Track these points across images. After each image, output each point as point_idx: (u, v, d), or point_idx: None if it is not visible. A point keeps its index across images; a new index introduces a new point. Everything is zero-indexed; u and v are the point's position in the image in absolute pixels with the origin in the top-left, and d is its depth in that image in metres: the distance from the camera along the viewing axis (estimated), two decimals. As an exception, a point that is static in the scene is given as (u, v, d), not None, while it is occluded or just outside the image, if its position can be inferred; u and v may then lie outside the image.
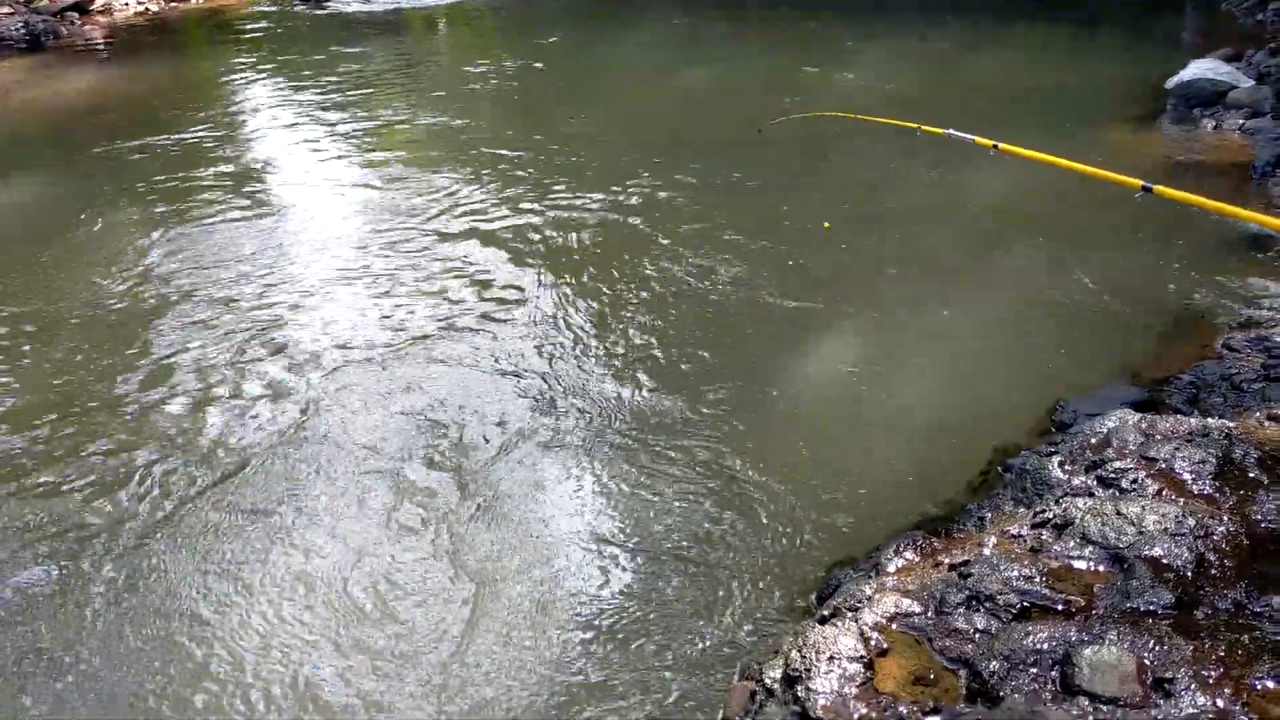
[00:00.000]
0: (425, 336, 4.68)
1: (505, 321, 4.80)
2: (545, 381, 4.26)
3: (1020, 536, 2.92)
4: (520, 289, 5.12)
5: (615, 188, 6.43)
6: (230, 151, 7.64)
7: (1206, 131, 6.84)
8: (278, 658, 2.90)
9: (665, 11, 13.24)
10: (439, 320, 4.83)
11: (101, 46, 12.48)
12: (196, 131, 8.20)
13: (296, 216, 6.26)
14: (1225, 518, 2.73)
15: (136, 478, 3.73)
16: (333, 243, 5.80)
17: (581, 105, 8.66)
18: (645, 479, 3.63)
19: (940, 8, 12.46)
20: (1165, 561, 2.60)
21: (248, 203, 6.49)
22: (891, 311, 4.79)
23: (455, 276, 5.30)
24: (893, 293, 4.96)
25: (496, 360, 4.45)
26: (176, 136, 8.05)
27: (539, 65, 10.20)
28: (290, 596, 3.14)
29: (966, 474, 3.61)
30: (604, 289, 5.06)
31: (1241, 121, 6.81)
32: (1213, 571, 2.55)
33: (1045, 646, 2.39)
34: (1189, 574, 2.55)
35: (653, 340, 4.56)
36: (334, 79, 9.82)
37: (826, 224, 5.61)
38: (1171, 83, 7.53)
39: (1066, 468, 3.24)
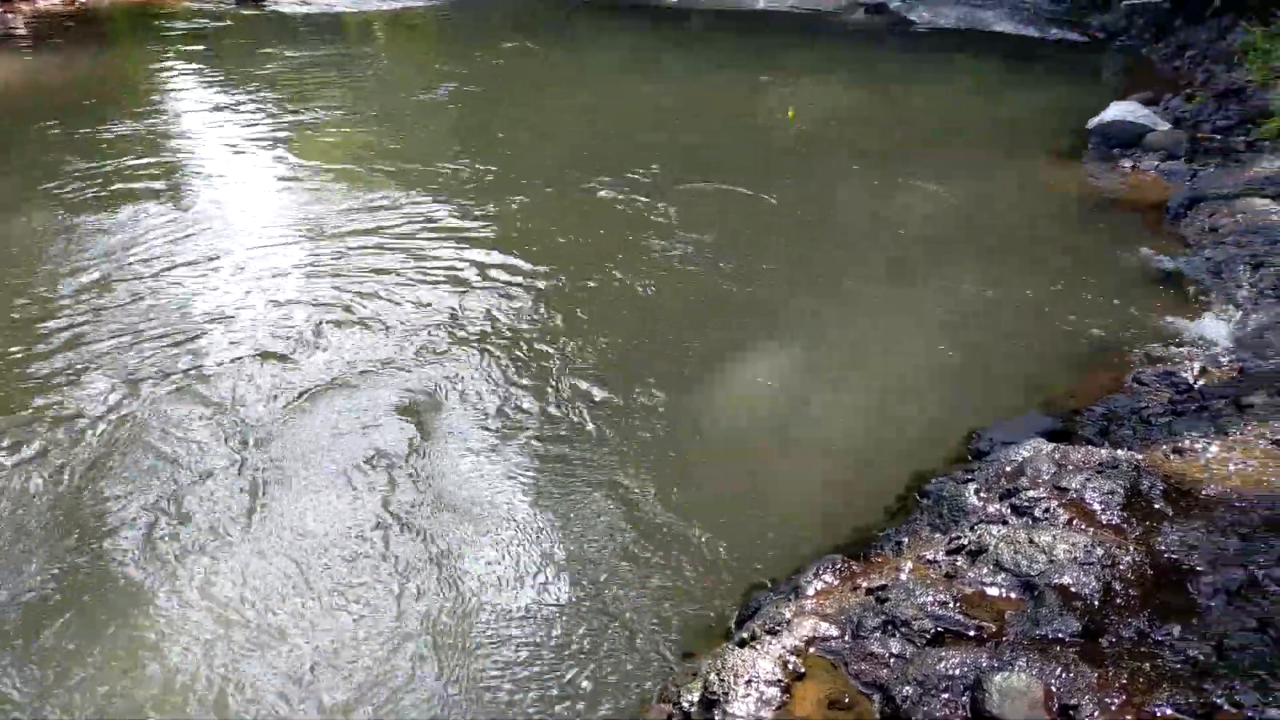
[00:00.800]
0: (339, 341, 4.59)
1: (424, 327, 4.73)
2: (458, 392, 4.21)
3: (936, 562, 2.97)
4: (440, 293, 5.06)
5: (540, 197, 6.41)
6: (152, 147, 7.43)
7: (1126, 170, 7.10)
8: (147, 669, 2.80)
9: (610, 27, 13.30)
10: (352, 324, 4.74)
11: (23, 34, 12.06)
12: (118, 126, 7.95)
13: (218, 214, 6.10)
14: (1131, 548, 2.81)
15: (22, 478, 3.58)
16: (250, 241, 5.66)
17: (517, 115, 8.62)
18: (564, 499, 3.60)
19: (878, 39, 12.74)
20: (1074, 590, 2.66)
21: (166, 199, 6.31)
22: (814, 336, 4.85)
23: (377, 279, 5.21)
24: (816, 318, 5.02)
25: (411, 369, 4.38)
26: (97, 129, 7.80)
27: (470, 87, 10.14)
28: (172, 614, 3.03)
29: (885, 498, 3.66)
30: (520, 316, 5.02)
31: (1158, 163, 7.08)
32: (1118, 600, 2.62)
33: (957, 672, 2.43)
34: (1096, 603, 2.62)
35: (573, 359, 4.54)
36: (264, 79, 9.63)
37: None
38: (1094, 122, 7.80)
39: (981, 495, 3.31)
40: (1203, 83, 8.92)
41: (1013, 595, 2.72)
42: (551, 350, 4.58)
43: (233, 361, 4.42)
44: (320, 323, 4.76)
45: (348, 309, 4.92)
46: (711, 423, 4.10)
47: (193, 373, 4.32)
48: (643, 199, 6.43)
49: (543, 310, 4.97)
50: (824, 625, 2.73)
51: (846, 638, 2.68)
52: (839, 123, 8.65)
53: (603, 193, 6.58)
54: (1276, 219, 5.51)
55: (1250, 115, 7.46)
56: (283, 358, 4.46)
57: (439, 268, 5.40)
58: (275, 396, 4.15)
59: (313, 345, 4.57)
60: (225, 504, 3.51)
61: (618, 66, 11.05)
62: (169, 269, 5.32)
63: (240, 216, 6.10)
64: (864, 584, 2.96)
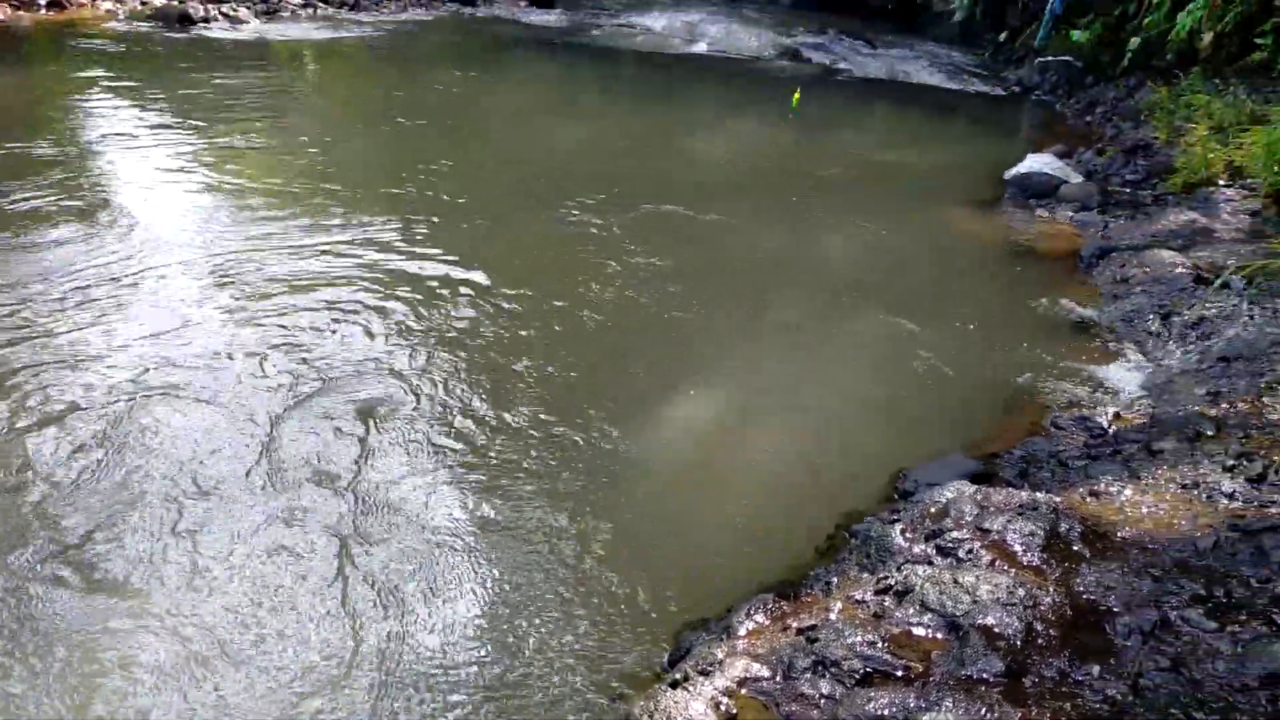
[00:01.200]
0: (255, 371, 4.48)
1: (354, 359, 4.65)
2: (388, 423, 4.15)
3: (864, 602, 3.02)
4: (372, 322, 4.99)
5: (473, 226, 6.39)
6: (71, 169, 7.20)
7: (1042, 220, 7.38)
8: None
9: (546, 64, 13.39)
10: (269, 353, 4.63)
11: (-67, 49, 11.61)
12: (36, 148, 7.69)
13: (139, 238, 5.93)
14: (1051, 589, 2.89)
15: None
16: (167, 268, 5.51)
17: (450, 145, 8.60)
18: (492, 538, 3.57)
19: (805, 85, 13.07)
20: (997, 630, 2.73)
21: (85, 222, 6.11)
22: (744, 376, 4.91)
23: (296, 309, 5.10)
24: (746, 358, 5.09)
25: (338, 403, 4.30)
26: (12, 150, 7.54)
27: (403, 118, 10.10)
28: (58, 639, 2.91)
29: (816, 537, 3.71)
30: (447, 347, 4.99)
31: (1072, 214, 7.38)
32: (1040, 641, 2.69)
33: (886, 713, 2.46)
34: (1018, 643, 2.68)
35: (501, 395, 4.52)
36: (191, 102, 9.43)
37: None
38: (1011, 173, 8.11)
39: (907, 535, 3.38)
40: (1112, 138, 9.35)
41: (939, 635, 2.77)
42: (476, 385, 4.55)
43: (143, 392, 4.28)
44: (240, 350, 4.65)
45: (272, 340, 4.81)
46: (641, 462, 4.11)
47: (108, 398, 4.18)
48: (571, 232, 6.46)
49: (470, 343, 4.93)
50: (755, 666, 2.74)
51: (778, 678, 2.69)
52: (765, 167, 8.83)
53: (533, 225, 6.60)
54: (1182, 271, 5.78)
55: (1157, 170, 7.84)
56: (196, 386, 4.34)
57: (370, 295, 5.33)
58: (191, 426, 4.03)
59: (234, 374, 4.46)
60: (137, 543, 3.38)
61: (552, 101, 11.12)
62: (85, 293, 5.14)
63: (162, 240, 5.94)
64: (794, 624, 2.99)
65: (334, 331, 4.94)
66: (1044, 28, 13.62)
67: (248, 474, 3.78)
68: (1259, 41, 9.39)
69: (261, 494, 3.67)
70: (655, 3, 19.60)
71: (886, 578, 3.11)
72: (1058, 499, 3.43)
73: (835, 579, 3.30)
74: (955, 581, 2.92)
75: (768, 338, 5.34)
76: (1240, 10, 9.95)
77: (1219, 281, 5.46)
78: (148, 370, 4.45)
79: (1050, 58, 12.94)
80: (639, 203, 7.25)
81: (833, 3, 19.62)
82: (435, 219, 6.61)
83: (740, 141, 9.57)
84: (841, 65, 14.28)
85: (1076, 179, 7.90)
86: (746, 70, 13.93)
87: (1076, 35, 12.63)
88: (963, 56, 15.51)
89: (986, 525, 3.23)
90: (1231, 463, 3.49)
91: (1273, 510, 3.17)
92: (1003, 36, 14.95)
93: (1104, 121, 10.31)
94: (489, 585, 3.33)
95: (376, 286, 5.48)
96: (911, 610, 2.88)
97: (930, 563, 3.14)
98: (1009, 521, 3.23)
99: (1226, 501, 3.26)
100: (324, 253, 5.91)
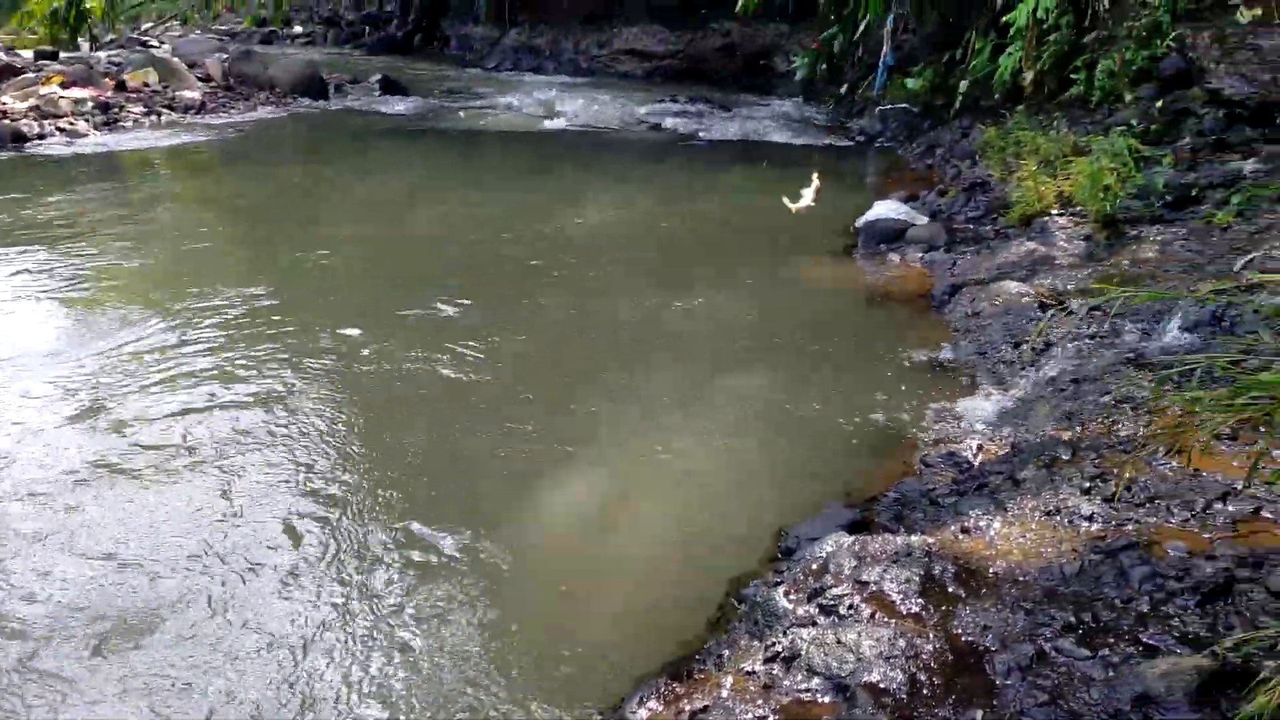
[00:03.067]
0: (105, 495, 4.22)
1: (214, 470, 4.43)
2: (239, 540, 3.94)
3: (754, 673, 2.98)
4: (228, 428, 4.77)
5: (340, 320, 6.24)
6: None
7: (894, 264, 7.67)
8: None
9: (403, 151, 13.34)
10: (118, 462, 4.37)
11: None
12: None
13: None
14: (931, 635, 2.92)
15: None
16: (19, 388, 5.19)
17: (301, 242, 8.42)
18: (370, 628, 3.40)
19: (662, 153, 13.38)
20: (882, 686, 2.72)
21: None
22: (618, 451, 4.87)
23: (148, 419, 4.85)
24: (619, 431, 5.05)
25: (195, 518, 4.07)
26: None
27: (260, 221, 9.89)
28: None
29: (707, 608, 3.66)
30: (299, 443, 4.82)
31: (921, 255, 7.70)
32: (924, 691, 2.70)
33: (780, 791, 2.42)
34: (904, 696, 2.69)
35: (360, 502, 4.34)
36: (34, 225, 9.00)
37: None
38: (861, 221, 8.43)
39: (791, 597, 3.37)
40: (953, 178, 9.85)
41: (827, 699, 2.76)
42: (341, 484, 4.38)
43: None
44: (95, 466, 4.37)
45: (124, 455, 4.54)
46: (519, 556, 3.98)
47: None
48: (434, 316, 6.37)
49: (326, 443, 4.76)
50: (648, 758, 2.66)
51: (672, 769, 2.62)
52: (628, 235, 8.95)
53: (395, 311, 6.49)
54: (1027, 300, 6.07)
55: (996, 205, 8.27)
56: (40, 502, 4.05)
57: (228, 402, 5.10)
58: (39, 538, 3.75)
59: (79, 494, 4.17)
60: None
61: (415, 187, 11.06)
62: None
63: (9, 363, 5.58)
64: (688, 706, 2.93)
65: (184, 442, 4.70)
66: (879, 78, 14.36)
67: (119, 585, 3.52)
68: (1074, 77, 10.10)
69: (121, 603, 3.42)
70: (512, 84, 19.90)
71: (774, 644, 3.09)
72: (931, 540, 3.48)
73: (727, 651, 3.26)
74: (838, 641, 2.92)
75: (638, 408, 5.33)
76: (1054, 49, 10.72)
77: (1061, 307, 5.74)
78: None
79: (889, 106, 13.64)
80: (503, 281, 7.22)
81: (686, 72, 20.35)
82: (288, 316, 6.42)
83: (603, 213, 9.69)
84: (699, 130, 14.70)
85: (922, 220, 8.26)
86: (606, 142, 14.20)
87: (910, 83, 13.37)
88: (811, 111, 16.19)
89: (864, 577, 3.25)
90: (1088, 485, 3.62)
91: (1129, 528, 3.29)
92: (844, 89, 15.69)
93: (944, 163, 10.86)
94: (367, 679, 3.15)
95: (226, 391, 5.26)
96: (799, 676, 2.86)
97: (814, 623, 3.13)
98: (885, 570, 3.25)
99: (1087, 524, 3.37)
100: (174, 361, 5.65)
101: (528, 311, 6.66)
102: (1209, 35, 8.49)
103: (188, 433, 4.88)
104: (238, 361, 5.73)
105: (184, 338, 6.12)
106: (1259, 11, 8.61)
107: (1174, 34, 8.99)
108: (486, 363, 5.77)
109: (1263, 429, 3.02)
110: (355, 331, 6.22)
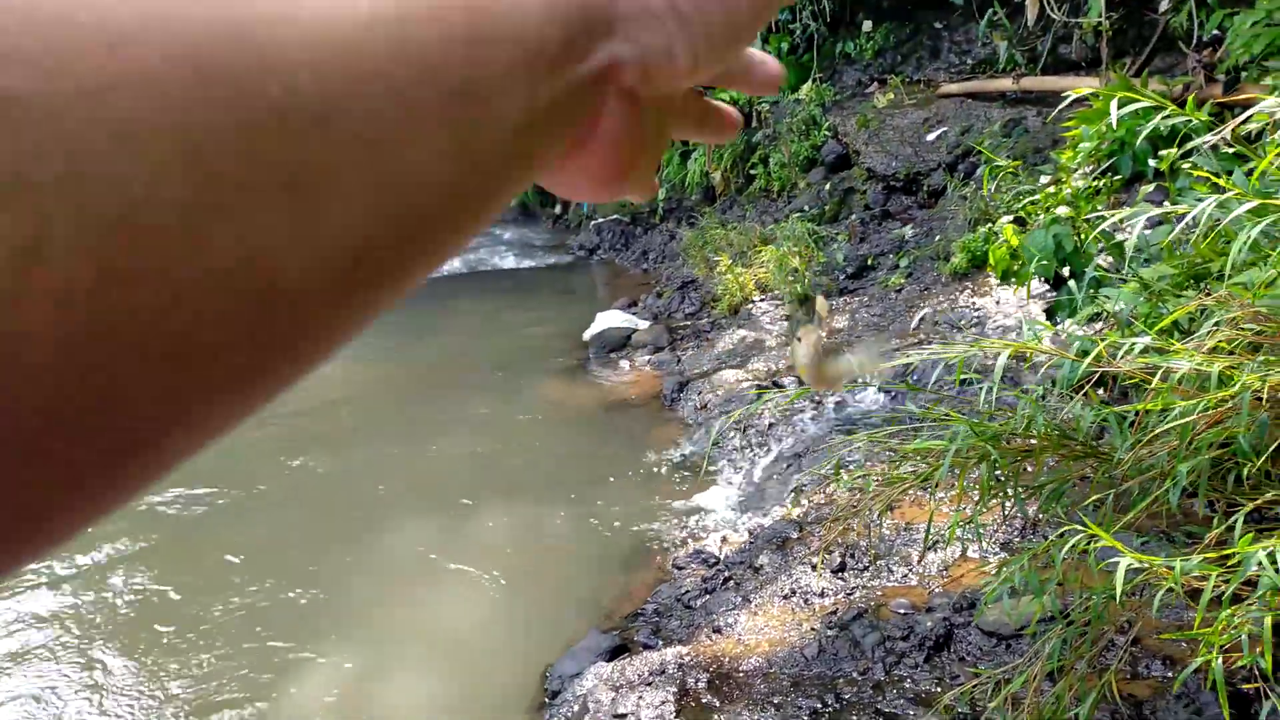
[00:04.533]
0: None
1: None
2: None
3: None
4: None
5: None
6: None
7: (625, 371, 7.89)
8: None
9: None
10: None
11: None
12: None
13: None
14: (691, 755, 2.88)
15: None
16: None
17: None
18: None
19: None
20: (650, 824, 2.64)
21: None
22: (368, 614, 4.61)
23: None
24: (368, 603, 4.79)
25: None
26: None
27: None
28: None
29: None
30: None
31: (649, 357, 7.97)
32: (691, 818, 2.64)
33: None
34: (673, 828, 2.62)
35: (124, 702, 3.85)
36: None
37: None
38: (588, 334, 8.63)
39: (556, 747, 3.25)
40: (666, 279, 10.35)
41: None
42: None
43: None
44: None
45: None
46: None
47: None
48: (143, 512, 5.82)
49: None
50: None
51: None
52: (347, 390, 8.67)
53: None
54: (746, 385, 6.39)
55: (707, 300, 8.75)
56: None
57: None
58: None
59: None
60: None
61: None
62: None
63: None
64: None
65: None
66: (587, 195, 14.98)
67: None
68: (753, 172, 11.01)
69: None
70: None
71: (544, 803, 2.94)
72: (685, 650, 3.49)
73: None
74: (603, 785, 2.82)
75: (387, 573, 5.07)
76: (732, 150, 11.66)
77: (776, 386, 6.09)
78: None
79: (600, 219, 14.23)
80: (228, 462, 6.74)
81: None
82: None
83: (331, 371, 9.34)
84: (421, 269, 14.63)
85: (644, 324, 8.58)
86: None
87: (616, 196, 14.02)
88: (531, 234, 16.60)
89: (621, 709, 3.19)
90: (815, 560, 3.78)
91: (856, 595, 3.45)
92: (558, 210, 16.25)
93: (656, 266, 11.43)
94: None
95: None
96: (570, 835, 2.73)
97: (580, 771, 3.02)
98: (641, 697, 3.21)
99: (820, 600, 3.50)
100: None
101: (258, 496, 6.23)
102: (855, 121, 9.56)
103: None
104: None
105: None
106: (892, 96, 9.83)
107: (828, 124, 10.06)
108: (210, 552, 5.30)
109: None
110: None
